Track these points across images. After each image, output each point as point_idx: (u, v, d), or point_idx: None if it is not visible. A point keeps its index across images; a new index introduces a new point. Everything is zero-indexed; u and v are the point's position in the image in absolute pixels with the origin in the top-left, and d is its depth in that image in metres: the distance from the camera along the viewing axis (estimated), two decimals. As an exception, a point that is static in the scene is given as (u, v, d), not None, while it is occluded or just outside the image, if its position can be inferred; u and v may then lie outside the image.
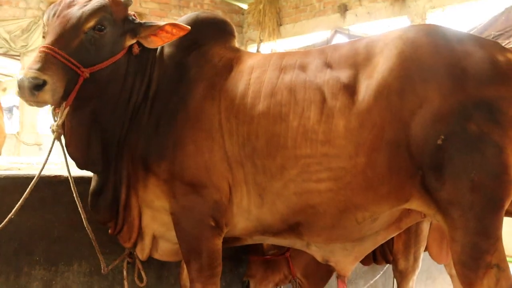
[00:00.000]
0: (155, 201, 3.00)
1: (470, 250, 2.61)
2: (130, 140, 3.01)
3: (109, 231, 3.18)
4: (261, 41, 12.24)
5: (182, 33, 2.95)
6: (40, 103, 2.75)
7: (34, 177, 2.98)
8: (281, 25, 12.12)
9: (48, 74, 2.67)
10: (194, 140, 2.87)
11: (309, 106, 2.77)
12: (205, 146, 2.86)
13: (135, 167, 3.00)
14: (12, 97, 19.86)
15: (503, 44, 8.00)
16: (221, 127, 2.87)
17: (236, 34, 3.32)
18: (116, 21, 2.94)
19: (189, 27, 2.95)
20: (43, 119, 13.23)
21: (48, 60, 2.70)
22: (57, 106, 2.88)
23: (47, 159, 2.99)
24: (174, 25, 2.96)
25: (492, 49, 2.72)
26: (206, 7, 12.56)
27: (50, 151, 2.98)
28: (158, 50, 3.11)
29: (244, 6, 13.04)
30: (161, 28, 2.96)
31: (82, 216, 3.01)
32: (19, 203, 2.90)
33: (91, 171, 3.13)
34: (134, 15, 3.05)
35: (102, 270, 3.11)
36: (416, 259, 3.65)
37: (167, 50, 3.11)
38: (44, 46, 2.74)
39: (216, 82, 2.97)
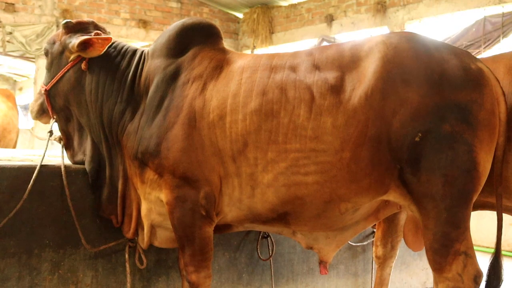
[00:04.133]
0: (152, 193, 3.00)
1: (441, 238, 2.64)
2: (127, 141, 3.05)
3: (113, 222, 3.24)
4: (254, 47, 12.21)
5: (107, 42, 3.13)
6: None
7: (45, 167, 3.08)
8: (273, 33, 12.09)
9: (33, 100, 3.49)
10: (187, 137, 2.85)
11: (299, 104, 2.75)
12: (197, 143, 2.85)
13: (133, 164, 3.02)
14: (28, 96, 19.78)
15: (473, 53, 8.09)
16: (214, 124, 2.84)
17: (222, 35, 3.27)
18: (55, 43, 3.31)
19: (111, 37, 3.16)
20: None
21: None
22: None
23: (43, 156, 3.23)
24: (98, 38, 3.11)
25: (465, 57, 2.74)
26: (205, 15, 12.49)
27: (45, 150, 3.28)
28: (148, 60, 3.15)
29: (240, 15, 13.00)
30: (85, 41, 3.10)
31: (69, 204, 3.17)
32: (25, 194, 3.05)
33: (86, 167, 3.26)
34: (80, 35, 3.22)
35: (89, 249, 3.21)
36: (393, 247, 3.64)
37: (156, 60, 3.11)
38: None
39: (207, 82, 2.95)
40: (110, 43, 3.19)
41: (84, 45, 3.11)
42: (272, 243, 3.83)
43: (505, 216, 3.32)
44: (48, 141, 3.28)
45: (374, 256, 3.74)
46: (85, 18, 3.57)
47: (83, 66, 3.18)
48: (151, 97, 3.02)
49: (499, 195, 2.78)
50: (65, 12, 11.13)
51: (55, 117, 3.34)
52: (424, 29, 9.15)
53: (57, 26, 11.05)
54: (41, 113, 3.45)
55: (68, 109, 3.31)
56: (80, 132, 3.31)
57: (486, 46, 8.16)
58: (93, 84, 3.17)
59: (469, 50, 8.06)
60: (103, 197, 3.22)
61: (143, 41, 12.50)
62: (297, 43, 11.48)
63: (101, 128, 3.17)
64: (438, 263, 2.67)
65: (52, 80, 3.27)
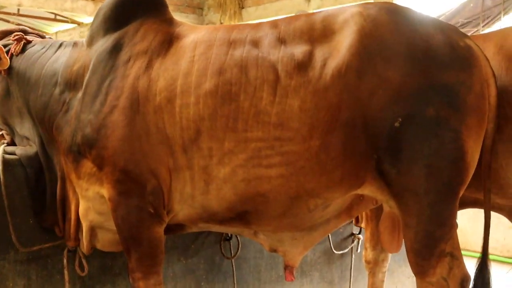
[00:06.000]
0: (90, 188, 2.99)
1: (423, 238, 2.67)
2: (58, 135, 3.07)
3: (57, 232, 3.26)
4: (221, 24, 12.19)
5: (1, 51, 3.32)
6: None
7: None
8: (243, 7, 12.06)
9: None
10: (128, 123, 2.83)
11: (262, 85, 2.73)
12: (141, 130, 2.82)
13: (68, 159, 3.02)
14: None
15: (470, 32, 8.16)
16: (161, 108, 2.82)
17: (167, 3, 3.24)
18: None
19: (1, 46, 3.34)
20: None
21: None
22: None
23: None
24: None
25: (453, 33, 2.76)
26: (165, -13, 12.40)
27: None
28: (84, 48, 3.19)
29: (205, -12, 12.96)
30: None
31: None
32: None
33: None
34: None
35: (20, 248, 3.19)
36: (384, 250, 3.66)
37: (94, 45, 3.13)
38: None
39: (153, 60, 2.92)
40: (33, 42, 3.43)
41: None
42: (238, 241, 3.85)
43: (504, 218, 3.41)
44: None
45: (364, 261, 3.80)
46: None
47: (3, 73, 3.37)
48: (88, 82, 3.00)
49: (487, 189, 2.84)
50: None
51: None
52: (416, 5, 9.24)
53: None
54: None
55: (9, 126, 3.49)
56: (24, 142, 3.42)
57: (485, 24, 8.24)
58: (17, 87, 3.33)
59: (466, 29, 8.16)
60: (46, 205, 3.23)
61: (91, 15, 12.37)
62: (270, 19, 11.44)
63: (34, 129, 3.25)
64: (421, 266, 2.71)
65: None
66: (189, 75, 2.83)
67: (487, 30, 8.19)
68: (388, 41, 2.67)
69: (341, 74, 2.65)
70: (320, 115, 2.66)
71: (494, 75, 2.77)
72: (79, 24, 14.54)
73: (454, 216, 2.71)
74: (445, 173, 2.63)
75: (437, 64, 2.64)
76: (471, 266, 2.89)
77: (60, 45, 3.34)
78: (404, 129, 2.61)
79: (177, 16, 3.26)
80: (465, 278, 2.72)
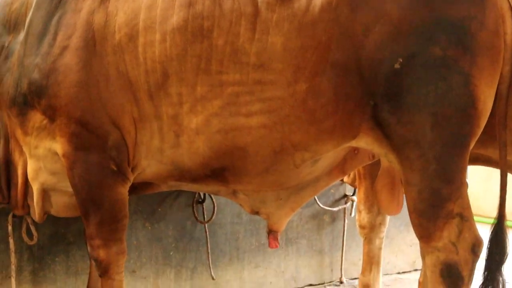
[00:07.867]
0: (40, 145, 2.95)
1: (428, 196, 2.63)
2: (1, 86, 3.03)
3: None
4: None
5: None
6: None
7: None
8: None
9: None
10: (84, 67, 2.80)
11: (239, 19, 2.70)
12: (99, 74, 2.80)
13: (11, 113, 2.97)
14: None
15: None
16: (121, 48, 2.78)
17: None
18: None
19: None
20: None
21: None
22: None
23: None
24: None
25: None
26: None
27: None
28: None
29: None
30: None
31: None
32: None
33: None
34: None
35: None
36: (382, 212, 3.62)
37: None
38: None
39: None
40: None
41: None
42: (213, 204, 3.83)
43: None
44: None
45: (358, 225, 3.75)
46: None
47: None
48: (32, 20, 2.95)
49: (503, 143, 2.76)
50: None
51: None
52: None
53: None
54: None
55: None
56: None
57: None
58: None
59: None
60: None
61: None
62: None
63: None
64: (425, 229, 2.68)
65: None
66: (153, 8, 2.78)
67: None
68: None
69: (331, 6, 2.62)
70: (307, 55, 2.62)
71: (511, 8, 2.69)
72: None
73: (463, 172, 2.68)
74: (453, 122, 2.59)
75: None
76: (484, 234, 2.81)
77: None
78: (406, 71, 2.57)
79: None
80: (477, 242, 2.67)
